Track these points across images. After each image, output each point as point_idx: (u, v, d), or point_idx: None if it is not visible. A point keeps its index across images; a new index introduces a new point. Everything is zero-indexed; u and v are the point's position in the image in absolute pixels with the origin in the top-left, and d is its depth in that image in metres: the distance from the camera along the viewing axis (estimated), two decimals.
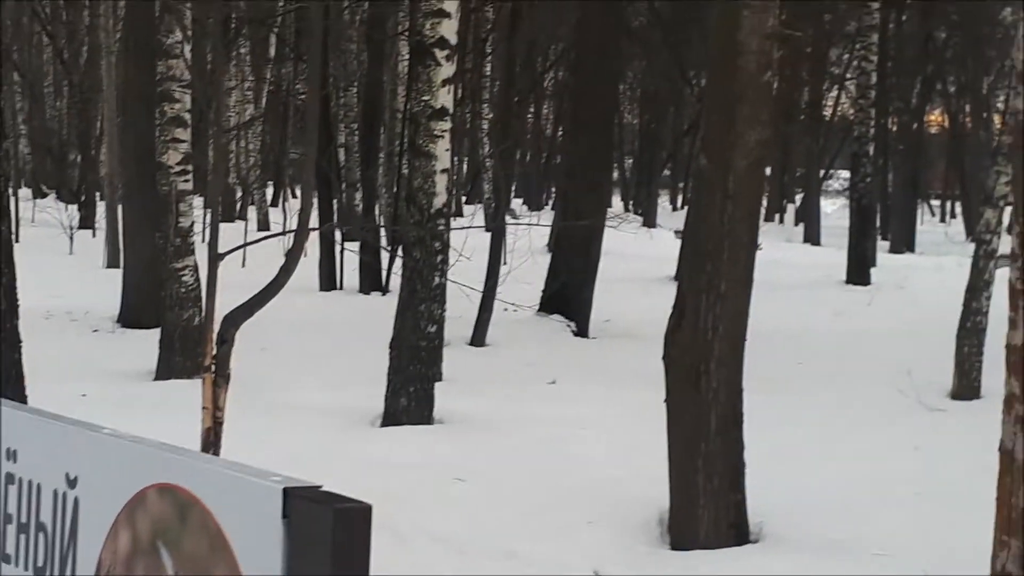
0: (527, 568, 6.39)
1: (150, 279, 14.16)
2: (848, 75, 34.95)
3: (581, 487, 7.78)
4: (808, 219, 38.68)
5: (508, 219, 20.32)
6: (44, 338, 12.14)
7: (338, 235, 19.14)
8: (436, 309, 9.91)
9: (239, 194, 34.64)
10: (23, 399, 8.22)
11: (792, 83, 36.48)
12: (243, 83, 32.08)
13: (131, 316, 15.06)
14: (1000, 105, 32.64)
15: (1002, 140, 12.76)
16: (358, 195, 21.80)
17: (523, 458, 8.54)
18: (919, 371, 11.83)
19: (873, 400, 11.19)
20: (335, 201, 21.09)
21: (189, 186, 12.37)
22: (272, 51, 31.35)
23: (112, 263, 21.17)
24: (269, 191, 38.45)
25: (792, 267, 24.18)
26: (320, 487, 2.75)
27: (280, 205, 35.15)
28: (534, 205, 41.40)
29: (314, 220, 17.23)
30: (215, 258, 6.79)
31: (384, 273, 18.79)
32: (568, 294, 15.65)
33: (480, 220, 22.94)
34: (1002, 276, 4.43)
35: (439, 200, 9.90)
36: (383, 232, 20.24)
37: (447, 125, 9.98)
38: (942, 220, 51.82)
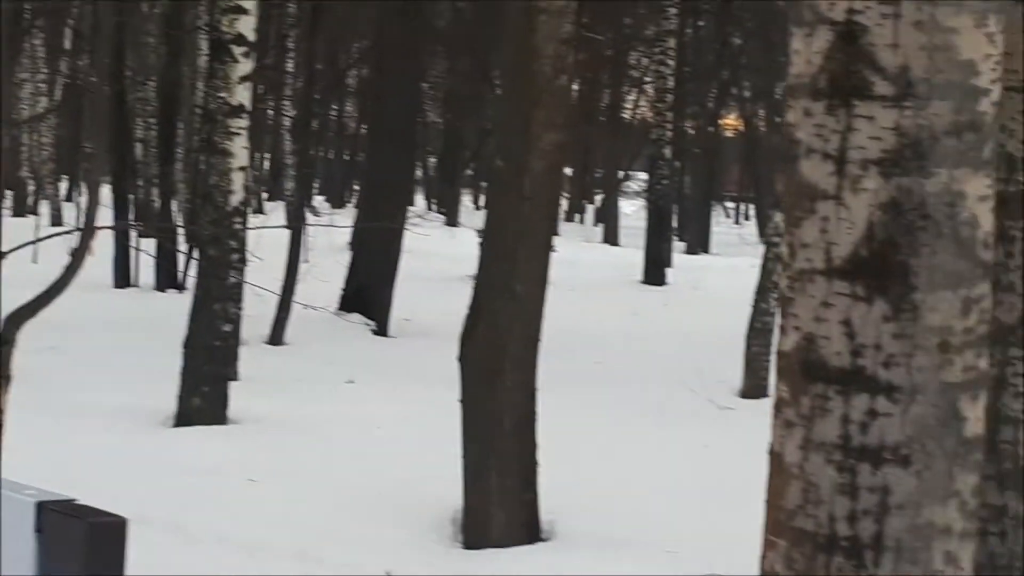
0: (318, 569, 6.37)
1: None
2: (647, 78, 35.51)
3: (375, 487, 7.78)
4: (607, 219, 39.24)
5: (309, 217, 20.15)
6: None
7: (133, 232, 18.76)
8: (232, 308, 9.80)
9: (31, 188, 33.69)
10: None
11: (592, 85, 36.92)
12: (36, 75, 31.21)
13: None
14: None
15: None
16: (155, 191, 21.41)
17: (318, 458, 8.50)
18: (711, 371, 12.11)
19: (666, 399, 11.40)
20: (131, 197, 20.68)
21: None
22: (67, 43, 30.56)
23: None
24: (64, 185, 37.49)
25: (590, 267, 24.51)
26: (75, 500, 2.70)
27: (74, 200, 34.30)
28: (336, 203, 41.14)
29: (108, 216, 16.89)
30: None
31: (180, 270, 18.48)
32: (368, 293, 15.61)
33: (281, 218, 22.73)
34: None
35: (235, 198, 9.79)
36: (180, 229, 19.89)
37: (244, 122, 9.89)
38: (736, 222, 53.00)
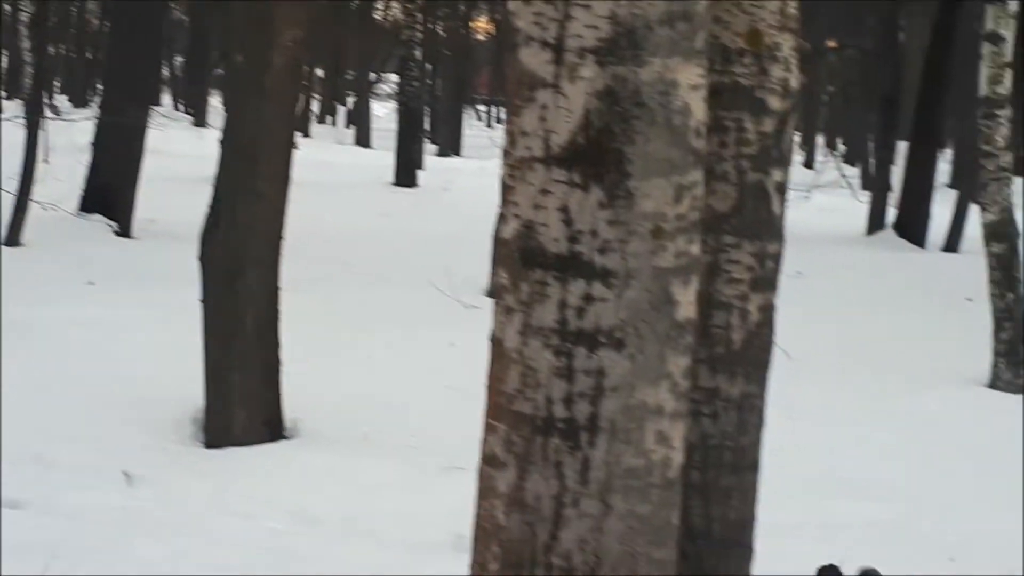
0: (54, 470, 6.23)
1: None
2: None
3: (115, 389, 7.63)
4: (359, 122, 38.98)
5: (48, 114, 19.44)
6: None
7: None
8: None
9: None
10: None
11: None
12: None
13: None
14: None
15: None
16: None
17: (57, 361, 8.29)
18: (459, 271, 12.20)
19: (414, 299, 11.46)
20: None
21: None
22: None
23: None
24: None
25: (342, 169, 24.35)
26: None
27: None
28: (78, 102, 39.80)
29: None
30: None
31: None
32: (110, 193, 15.19)
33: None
34: None
35: None
36: None
37: None
38: (488, 125, 53.21)
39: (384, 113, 44.03)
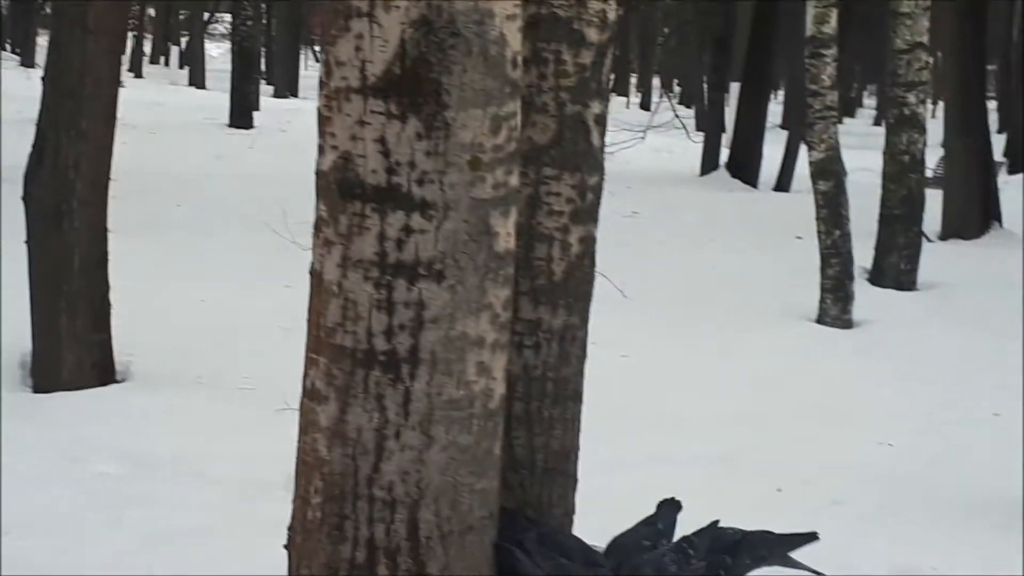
0: None
1: None
2: None
3: None
4: (193, 62, 38.29)
5: None
6: None
7: None
8: None
9: None
10: None
11: None
12: None
13: None
14: None
15: None
16: None
17: None
18: (295, 213, 12.05)
19: (249, 241, 11.33)
20: None
21: None
22: None
23: None
24: None
25: (175, 109, 23.94)
26: None
27: None
28: None
29: None
30: None
31: None
32: None
33: None
34: None
35: None
36: None
37: None
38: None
39: (218, 54, 43.32)
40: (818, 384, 8.27)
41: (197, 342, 8.11)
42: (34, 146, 6.95)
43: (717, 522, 3.07)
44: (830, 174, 10.19)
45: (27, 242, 6.97)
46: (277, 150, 19.37)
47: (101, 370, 6.96)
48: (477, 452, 2.65)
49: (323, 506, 2.63)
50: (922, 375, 8.49)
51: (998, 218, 14.70)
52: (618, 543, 3.01)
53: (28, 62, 33.08)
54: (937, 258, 12.17)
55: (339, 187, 2.56)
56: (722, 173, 19.70)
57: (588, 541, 2.98)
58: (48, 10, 41.82)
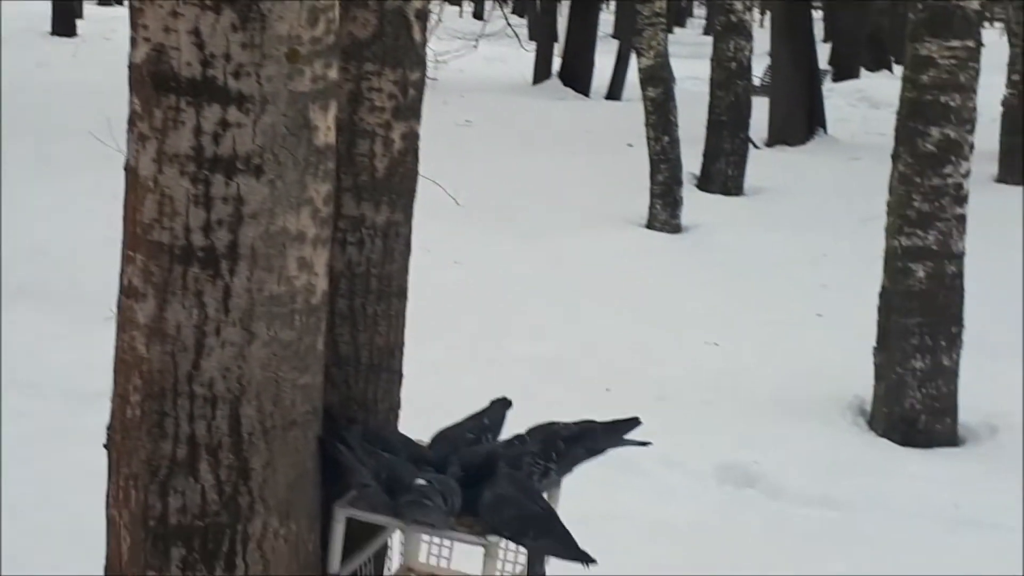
0: None
1: None
2: None
3: None
4: None
5: None
6: None
7: None
8: None
9: None
10: None
11: None
12: None
13: None
14: None
15: None
16: None
17: None
18: (120, 121, 11.81)
19: (73, 150, 11.09)
20: None
21: None
22: None
23: None
24: None
25: None
26: None
27: None
28: None
29: None
30: None
31: None
32: None
33: None
34: None
35: None
36: None
37: None
38: None
39: None
40: (646, 287, 8.40)
41: (19, 250, 7.94)
42: None
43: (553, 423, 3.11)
44: (659, 81, 10.29)
45: None
46: (102, 59, 18.89)
47: None
48: (299, 348, 2.64)
49: (143, 404, 2.60)
50: (748, 277, 8.69)
51: (823, 124, 15.00)
52: (442, 435, 3.03)
53: None
54: (763, 164, 12.40)
55: (152, 80, 2.50)
56: (555, 82, 19.76)
57: (414, 437, 3.00)
58: None
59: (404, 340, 3.13)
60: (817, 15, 22.56)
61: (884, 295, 6.26)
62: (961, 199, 6.12)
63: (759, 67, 15.10)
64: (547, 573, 2.90)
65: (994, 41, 13.83)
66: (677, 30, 36.93)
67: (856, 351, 6.50)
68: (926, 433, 6.11)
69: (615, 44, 20.66)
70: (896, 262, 6.18)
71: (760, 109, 13.42)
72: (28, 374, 5.80)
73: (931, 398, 6.13)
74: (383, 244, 3.03)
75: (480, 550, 2.81)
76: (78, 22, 23.47)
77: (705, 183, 11.77)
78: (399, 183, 3.03)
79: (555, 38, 21.11)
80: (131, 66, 2.54)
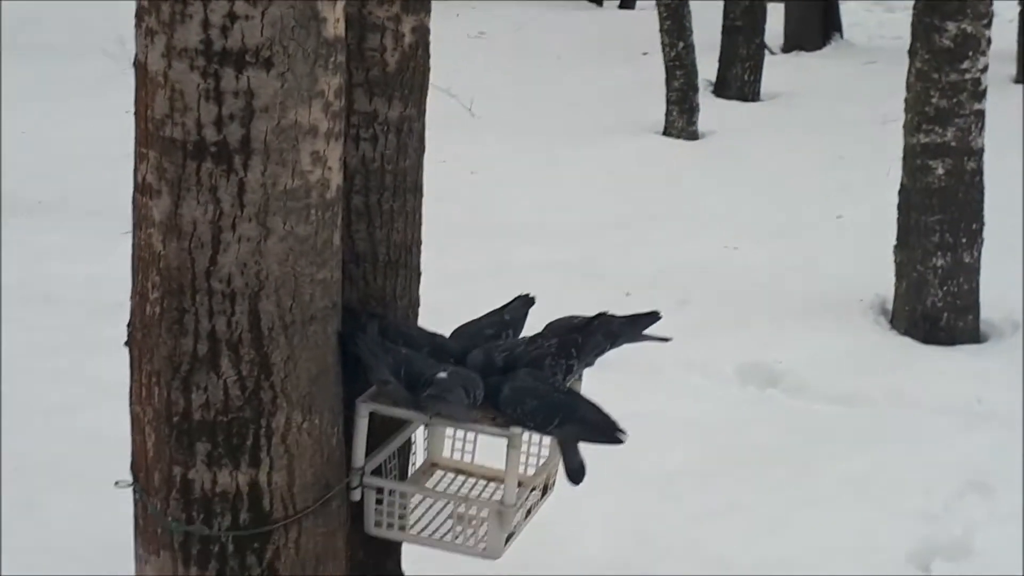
0: None
1: None
2: None
3: None
4: None
5: None
6: None
7: None
8: None
9: None
10: None
11: None
12: None
13: None
14: None
15: None
16: None
17: None
18: (130, 35, 11.76)
19: (86, 68, 11.05)
20: None
21: None
22: None
23: None
24: None
25: None
26: None
27: None
28: None
29: None
30: None
31: None
32: None
33: None
34: None
35: None
36: None
37: None
38: None
39: None
40: (665, 193, 8.36)
41: (36, 169, 7.95)
42: None
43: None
44: None
45: None
46: None
47: None
48: (316, 242, 2.63)
49: (162, 301, 2.60)
50: (766, 181, 8.64)
51: (839, 29, 14.84)
52: (462, 330, 3.03)
53: None
54: (779, 69, 12.28)
55: None
56: None
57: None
58: None
59: (421, 237, 3.13)
60: None
61: (903, 193, 6.21)
62: (979, 95, 6.06)
63: None
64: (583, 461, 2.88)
65: None
66: None
67: (877, 251, 6.47)
68: (948, 330, 6.09)
69: None
70: (915, 160, 6.13)
71: (775, 15, 13.28)
72: (47, 287, 5.83)
73: (952, 295, 6.10)
74: (396, 140, 3.01)
75: (503, 446, 2.82)
76: None
77: (721, 89, 11.67)
78: (411, 78, 3.01)
79: None
80: None
